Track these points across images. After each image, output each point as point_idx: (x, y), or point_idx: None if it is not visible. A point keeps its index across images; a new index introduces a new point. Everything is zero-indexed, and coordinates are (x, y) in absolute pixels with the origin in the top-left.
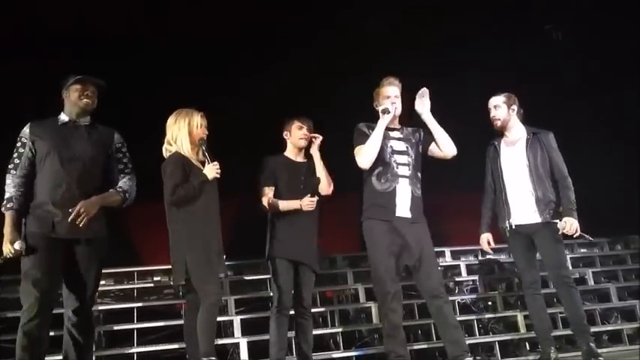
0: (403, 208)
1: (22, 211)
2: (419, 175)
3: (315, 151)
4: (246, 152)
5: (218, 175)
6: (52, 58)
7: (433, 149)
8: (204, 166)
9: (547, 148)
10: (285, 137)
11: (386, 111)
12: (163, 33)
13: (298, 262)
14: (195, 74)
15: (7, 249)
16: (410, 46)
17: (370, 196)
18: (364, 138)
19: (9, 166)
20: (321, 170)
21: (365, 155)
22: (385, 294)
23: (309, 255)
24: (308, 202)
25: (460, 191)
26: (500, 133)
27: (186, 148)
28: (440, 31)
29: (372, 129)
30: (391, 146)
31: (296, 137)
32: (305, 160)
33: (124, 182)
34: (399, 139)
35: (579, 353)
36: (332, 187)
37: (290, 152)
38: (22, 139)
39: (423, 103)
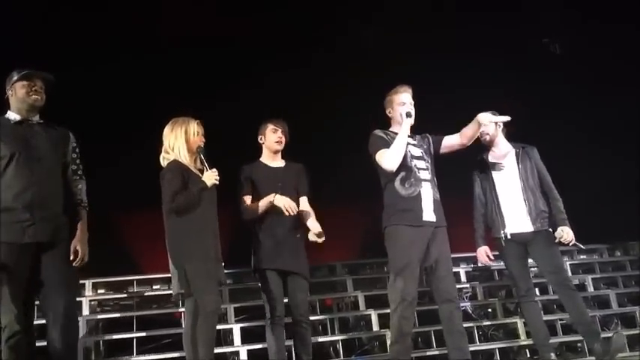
0: (429, 211)
1: None
2: (435, 179)
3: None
4: (246, 158)
5: (217, 182)
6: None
7: (450, 141)
8: (202, 174)
9: (534, 162)
10: (260, 142)
11: (409, 114)
12: (161, 37)
13: (286, 272)
14: (194, 81)
15: None
16: (398, 59)
17: (394, 202)
18: (383, 142)
19: None
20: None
21: (392, 158)
22: (402, 300)
23: (296, 263)
24: (284, 203)
25: (456, 197)
26: (487, 148)
27: (183, 156)
28: (431, 43)
29: (388, 135)
30: (409, 151)
31: (271, 141)
32: (282, 165)
33: (80, 190)
34: (414, 145)
35: None
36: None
37: (266, 157)
38: None
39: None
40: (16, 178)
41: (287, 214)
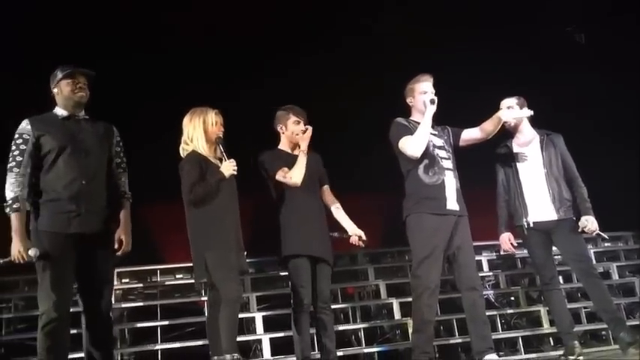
0: (452, 200)
1: (27, 211)
2: (456, 169)
3: (303, 151)
4: (269, 147)
5: (235, 172)
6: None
7: (469, 134)
8: (221, 163)
9: (559, 149)
10: (279, 130)
11: (433, 101)
12: (182, 31)
13: (316, 258)
14: (214, 73)
15: (19, 255)
16: (419, 46)
17: (417, 190)
18: (406, 130)
19: (9, 165)
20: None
21: (416, 145)
22: (425, 289)
23: (324, 249)
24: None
25: (479, 186)
26: (510, 134)
27: (202, 147)
28: (453, 31)
29: (410, 123)
30: (431, 141)
31: (292, 132)
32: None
33: (124, 182)
34: (436, 135)
35: (604, 348)
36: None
37: (285, 145)
38: (24, 136)
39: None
40: (64, 170)
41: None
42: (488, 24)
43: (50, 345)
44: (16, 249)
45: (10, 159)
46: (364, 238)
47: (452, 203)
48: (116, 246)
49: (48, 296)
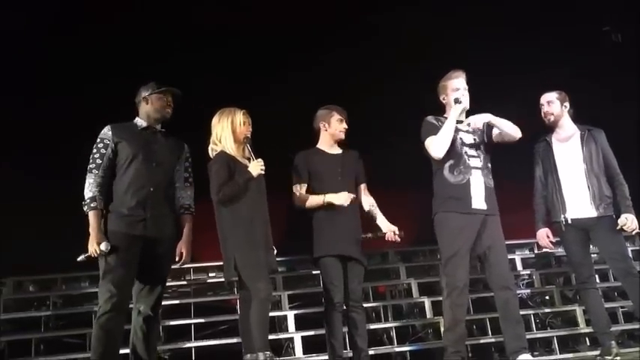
0: (479, 199)
1: (103, 211)
2: (489, 166)
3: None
4: (301, 146)
5: (262, 172)
6: None
7: (496, 135)
8: (250, 163)
9: (601, 145)
10: (321, 128)
11: (458, 101)
12: (210, 28)
13: (347, 258)
14: (243, 72)
15: (94, 249)
16: (458, 40)
17: (444, 189)
18: (434, 129)
19: (90, 166)
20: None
21: (439, 146)
22: (454, 288)
23: (355, 249)
24: (346, 197)
25: (513, 183)
26: (551, 129)
27: (230, 147)
28: (488, 27)
29: (440, 121)
30: (461, 138)
31: (336, 129)
32: (340, 152)
33: (189, 196)
34: (467, 131)
35: None
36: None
37: (325, 144)
38: (105, 141)
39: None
40: (134, 176)
41: (347, 204)
42: (525, 22)
43: (102, 336)
44: (92, 244)
45: (91, 161)
46: (398, 232)
47: (478, 202)
48: (177, 258)
49: (108, 290)
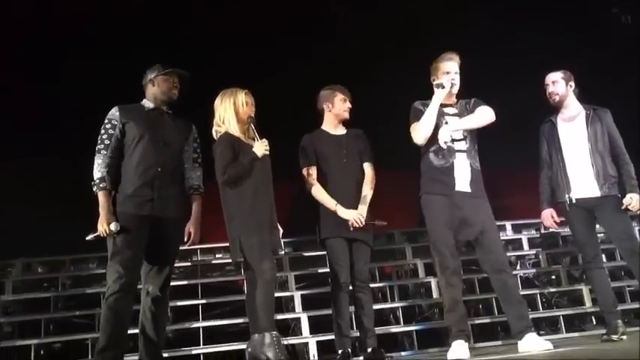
0: (463, 182)
1: (111, 191)
2: (476, 148)
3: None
4: (307, 126)
5: (267, 152)
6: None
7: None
8: (254, 143)
9: (606, 125)
10: (325, 109)
11: (440, 86)
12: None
13: (353, 239)
14: (248, 51)
15: (103, 228)
16: (461, 22)
17: (428, 172)
18: (419, 115)
19: (99, 147)
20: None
21: (420, 132)
22: (444, 269)
23: (362, 230)
24: (355, 218)
25: (520, 165)
26: (556, 109)
27: (234, 128)
28: (496, 10)
29: (426, 106)
30: (446, 122)
31: (340, 109)
32: (344, 132)
33: (198, 177)
34: (454, 114)
35: None
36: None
37: (328, 125)
38: (113, 121)
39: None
40: (143, 157)
41: (355, 225)
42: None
43: (110, 316)
44: (102, 224)
45: (99, 142)
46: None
47: (462, 185)
48: (185, 238)
49: (116, 271)
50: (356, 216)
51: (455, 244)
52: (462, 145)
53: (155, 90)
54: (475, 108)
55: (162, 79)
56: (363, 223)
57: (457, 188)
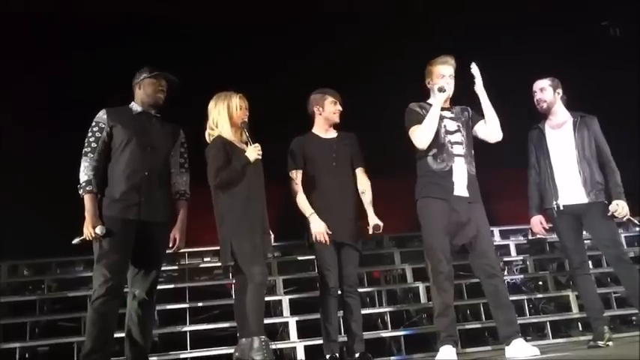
0: (460, 186)
1: (98, 194)
2: (472, 152)
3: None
4: (298, 131)
5: (259, 157)
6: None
7: (478, 130)
8: (247, 147)
9: (593, 132)
10: (315, 112)
11: (442, 89)
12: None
13: (341, 243)
14: (241, 56)
15: (89, 232)
16: (452, 26)
17: (426, 176)
18: (418, 117)
19: (85, 149)
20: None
21: (423, 136)
22: (438, 273)
23: (351, 234)
24: (321, 233)
25: (507, 169)
26: (544, 116)
27: (226, 132)
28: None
29: (424, 108)
30: (444, 126)
31: (330, 112)
32: (335, 135)
33: (185, 182)
34: (450, 118)
35: (634, 333)
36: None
37: (319, 129)
38: (100, 124)
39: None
40: (130, 160)
41: (319, 239)
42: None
43: (97, 320)
44: (88, 227)
45: (86, 144)
46: (380, 228)
47: (460, 189)
48: (170, 244)
49: (102, 274)
50: (322, 233)
51: (450, 249)
52: (460, 150)
53: (141, 93)
54: (476, 118)
55: (149, 82)
56: (328, 240)
57: (455, 192)
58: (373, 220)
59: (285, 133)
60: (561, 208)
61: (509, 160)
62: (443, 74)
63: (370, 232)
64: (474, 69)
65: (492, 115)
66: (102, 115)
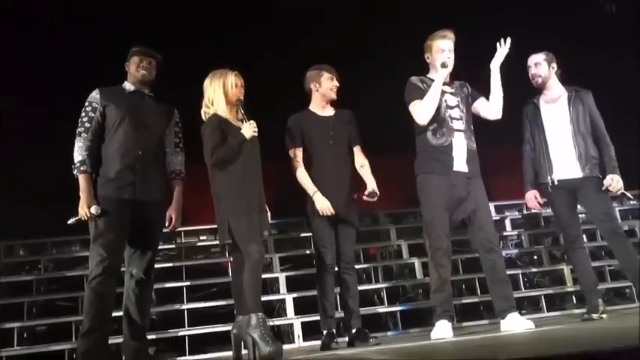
0: (460, 162)
1: (92, 174)
2: (472, 128)
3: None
4: (296, 108)
5: (255, 134)
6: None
7: (478, 107)
8: (243, 125)
9: (588, 107)
10: (312, 89)
11: (445, 65)
12: None
13: (338, 219)
14: (237, 35)
15: (84, 212)
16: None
17: (426, 151)
18: (419, 92)
19: (79, 130)
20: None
21: (424, 111)
22: (436, 249)
23: (348, 211)
24: (325, 209)
25: (503, 145)
26: (539, 90)
27: (222, 109)
28: None
29: (425, 82)
30: (445, 100)
31: (327, 88)
32: (332, 113)
33: (180, 161)
34: (451, 93)
35: (628, 306)
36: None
37: (316, 106)
38: (93, 104)
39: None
40: (123, 140)
41: (322, 214)
42: None
43: (94, 299)
44: (83, 207)
45: (79, 124)
46: (375, 195)
47: (460, 164)
48: (166, 223)
49: (99, 254)
50: (326, 209)
51: (449, 225)
52: (460, 125)
53: (128, 73)
54: (476, 95)
55: (132, 60)
56: (333, 212)
57: (455, 168)
58: (371, 184)
59: (280, 109)
60: (556, 182)
61: (505, 136)
62: (442, 49)
63: (366, 195)
64: (506, 45)
65: (500, 93)
66: (95, 95)
